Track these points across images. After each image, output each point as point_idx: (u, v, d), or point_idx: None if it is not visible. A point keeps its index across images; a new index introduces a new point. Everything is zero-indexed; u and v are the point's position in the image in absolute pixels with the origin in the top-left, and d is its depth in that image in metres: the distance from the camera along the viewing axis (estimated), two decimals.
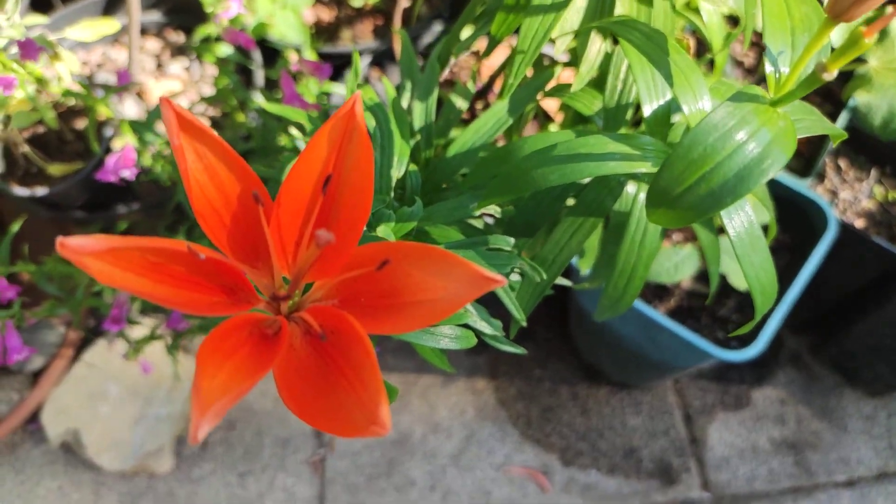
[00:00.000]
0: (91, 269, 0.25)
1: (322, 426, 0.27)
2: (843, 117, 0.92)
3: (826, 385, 1.17)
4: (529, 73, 0.59)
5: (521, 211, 0.46)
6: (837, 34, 0.68)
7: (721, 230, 0.45)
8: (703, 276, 0.93)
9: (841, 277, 1.00)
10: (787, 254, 0.94)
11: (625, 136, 0.39)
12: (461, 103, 0.56)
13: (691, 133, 0.32)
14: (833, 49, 0.32)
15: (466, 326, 0.40)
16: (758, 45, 1.07)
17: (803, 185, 0.90)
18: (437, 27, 1.10)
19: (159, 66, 1.08)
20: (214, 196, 0.30)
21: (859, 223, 0.94)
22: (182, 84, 1.06)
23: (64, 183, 0.92)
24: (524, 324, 0.43)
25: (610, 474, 1.09)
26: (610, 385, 1.17)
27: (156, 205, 0.99)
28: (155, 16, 1.10)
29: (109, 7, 1.10)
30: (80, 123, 0.99)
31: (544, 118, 0.76)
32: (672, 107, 0.43)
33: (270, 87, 1.03)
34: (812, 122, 0.38)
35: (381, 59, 1.09)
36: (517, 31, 0.46)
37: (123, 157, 0.72)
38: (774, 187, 0.91)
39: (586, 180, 0.46)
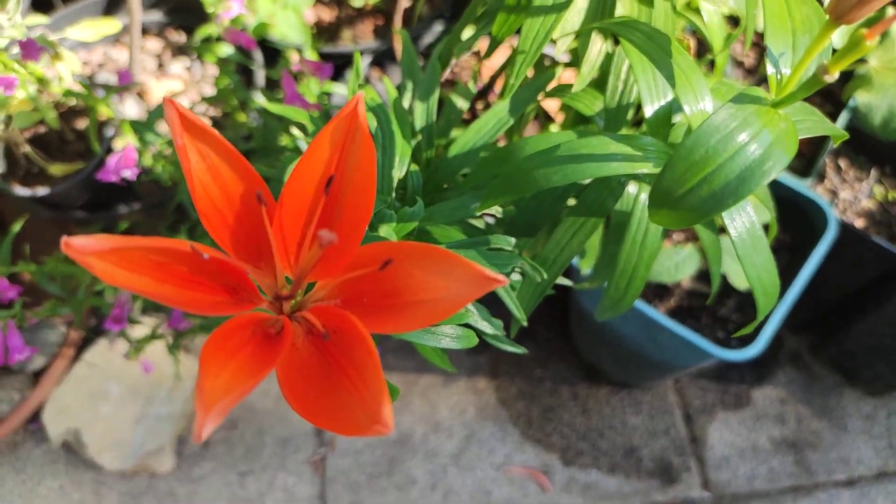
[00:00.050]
0: (95, 269, 0.25)
1: (325, 425, 0.27)
2: (844, 117, 0.92)
3: (826, 385, 1.17)
4: (530, 73, 0.59)
5: (523, 211, 0.46)
6: (839, 36, 0.68)
7: (722, 230, 0.45)
8: (703, 276, 0.93)
9: (841, 277, 1.01)
10: (788, 253, 0.94)
11: (626, 136, 0.39)
12: (462, 103, 0.56)
13: (693, 135, 0.32)
14: (834, 51, 0.32)
15: (468, 326, 0.40)
16: (758, 46, 1.07)
17: (803, 185, 0.90)
18: (438, 27, 1.10)
19: (160, 65, 1.08)
20: (217, 196, 0.30)
21: (859, 223, 0.95)
22: (183, 84, 1.06)
23: (65, 183, 0.92)
24: (525, 323, 0.43)
25: (610, 474, 1.09)
26: (610, 385, 1.17)
27: (156, 205, 0.99)
28: (156, 15, 1.10)
29: (110, 7, 1.10)
30: (82, 123, 0.99)
31: (545, 118, 0.76)
32: (673, 107, 0.43)
33: (271, 87, 1.03)
34: (813, 122, 0.38)
35: (382, 59, 1.09)
36: (518, 32, 0.46)
37: (124, 157, 0.72)
38: (774, 187, 0.91)
39: (587, 181, 0.46)
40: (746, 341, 0.82)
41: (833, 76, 0.31)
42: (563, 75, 0.61)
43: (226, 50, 0.86)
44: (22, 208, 0.94)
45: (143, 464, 1.05)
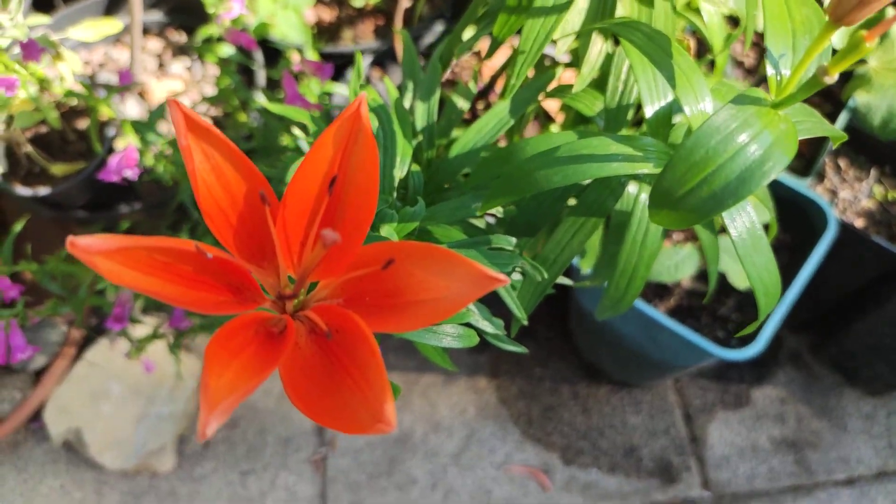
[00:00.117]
0: (101, 269, 0.25)
1: (328, 424, 0.27)
2: (843, 117, 0.92)
3: (826, 384, 1.17)
4: (531, 73, 0.59)
5: (523, 211, 0.47)
6: (838, 37, 0.68)
7: (722, 230, 0.45)
8: (703, 276, 0.93)
9: (841, 277, 1.01)
10: (787, 253, 0.95)
11: (627, 137, 0.39)
12: (463, 103, 0.56)
13: (694, 135, 0.32)
14: (834, 52, 0.32)
15: (469, 325, 0.40)
16: (758, 46, 1.07)
17: (803, 185, 0.91)
18: (439, 27, 1.11)
19: (161, 65, 1.08)
20: (221, 196, 0.31)
21: (859, 223, 0.95)
22: (184, 84, 1.06)
23: (66, 183, 0.92)
24: (525, 323, 0.43)
25: (610, 473, 1.10)
26: (610, 384, 1.17)
27: (157, 204, 0.99)
28: (156, 15, 1.10)
29: (111, 7, 1.10)
30: (83, 123, 0.99)
31: (545, 118, 0.77)
32: (673, 108, 0.43)
33: (272, 87, 1.03)
34: (813, 123, 0.38)
35: (383, 59, 1.09)
36: (519, 32, 0.47)
37: (126, 157, 0.72)
38: (774, 187, 0.91)
39: (588, 181, 0.46)
40: (746, 341, 0.82)
41: (833, 77, 0.31)
42: (564, 76, 0.62)
43: (227, 50, 0.86)
44: (23, 208, 0.95)
45: (144, 463, 1.05)
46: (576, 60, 0.55)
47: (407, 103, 0.56)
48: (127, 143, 0.73)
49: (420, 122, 0.53)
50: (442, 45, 0.56)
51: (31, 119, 0.72)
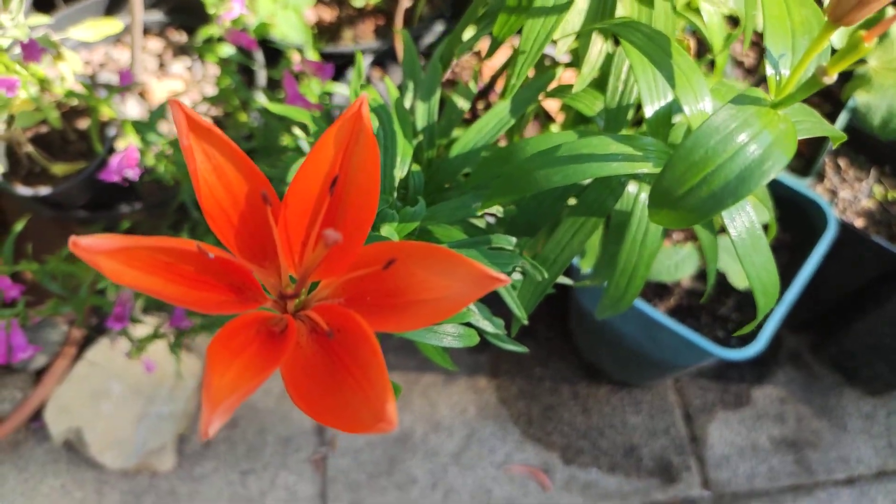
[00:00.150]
0: (103, 268, 0.25)
1: (329, 423, 0.27)
2: (843, 117, 0.92)
3: (826, 384, 1.17)
4: (531, 73, 0.60)
5: (523, 210, 0.47)
6: (838, 37, 0.68)
7: (722, 229, 0.45)
8: (703, 275, 0.93)
9: (840, 277, 1.01)
10: (787, 253, 0.95)
11: (627, 137, 0.39)
12: (463, 103, 0.56)
13: (693, 135, 0.32)
14: (833, 52, 0.32)
15: (469, 325, 0.40)
16: (758, 45, 1.07)
17: (803, 185, 0.91)
18: (439, 27, 1.11)
19: (161, 65, 1.08)
20: (223, 196, 0.31)
21: (859, 222, 0.95)
22: (184, 84, 1.06)
23: (67, 182, 0.92)
24: (526, 322, 0.44)
25: (610, 472, 1.10)
26: (610, 384, 1.17)
27: (158, 204, 0.99)
28: (157, 15, 1.11)
29: (112, 7, 1.10)
30: (84, 123, 0.99)
31: (545, 118, 0.77)
32: (673, 108, 0.43)
33: (273, 87, 1.03)
34: (812, 123, 0.38)
35: (383, 58, 1.09)
36: (519, 32, 0.47)
37: (126, 157, 0.72)
38: (774, 187, 0.91)
39: (588, 181, 0.46)
40: (746, 340, 0.82)
41: (832, 77, 0.31)
42: (564, 75, 0.62)
43: (227, 50, 0.86)
44: (24, 208, 0.95)
45: (144, 462, 1.05)
46: (576, 60, 0.55)
47: (407, 103, 0.56)
48: (128, 142, 0.73)
49: (420, 121, 0.53)
50: (442, 45, 0.56)
51: (32, 119, 0.72)
